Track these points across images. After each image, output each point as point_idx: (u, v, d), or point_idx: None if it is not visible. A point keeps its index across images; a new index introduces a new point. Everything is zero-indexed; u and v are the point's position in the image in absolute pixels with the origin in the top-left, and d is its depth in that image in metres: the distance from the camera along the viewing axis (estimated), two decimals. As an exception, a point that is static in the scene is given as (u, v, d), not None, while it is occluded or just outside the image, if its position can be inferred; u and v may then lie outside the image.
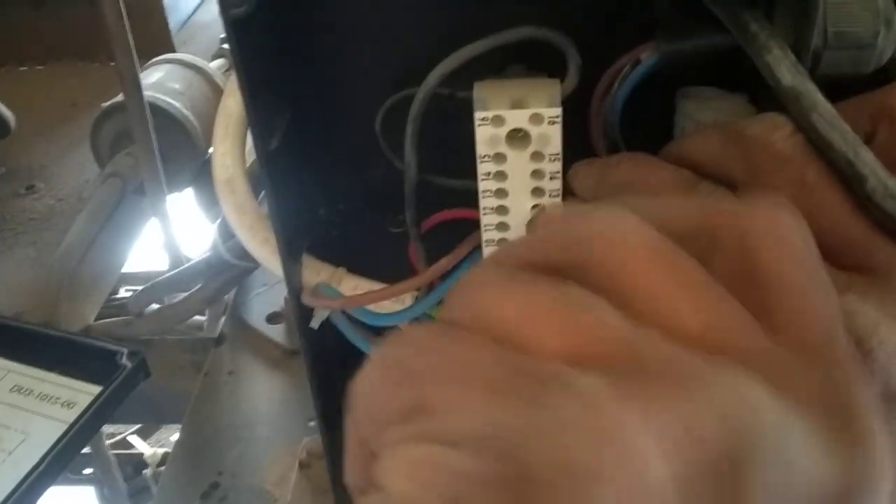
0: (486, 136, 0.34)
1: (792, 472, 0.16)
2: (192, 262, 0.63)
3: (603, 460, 0.15)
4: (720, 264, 0.20)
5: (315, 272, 0.41)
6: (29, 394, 0.57)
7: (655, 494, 0.15)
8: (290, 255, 0.39)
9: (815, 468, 0.17)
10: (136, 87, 0.61)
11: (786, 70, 0.30)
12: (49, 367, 0.59)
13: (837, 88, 0.33)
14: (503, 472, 0.15)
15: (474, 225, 0.39)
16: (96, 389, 0.57)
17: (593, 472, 0.15)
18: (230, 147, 0.43)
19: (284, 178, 0.37)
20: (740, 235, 0.20)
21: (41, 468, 0.51)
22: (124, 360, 0.57)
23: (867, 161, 0.29)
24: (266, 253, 0.41)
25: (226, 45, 1.00)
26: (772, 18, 0.32)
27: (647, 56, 0.35)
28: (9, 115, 0.79)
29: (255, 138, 0.35)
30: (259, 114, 0.34)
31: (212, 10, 1.15)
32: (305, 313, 0.40)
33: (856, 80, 0.34)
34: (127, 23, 0.59)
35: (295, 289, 0.39)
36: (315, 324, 0.40)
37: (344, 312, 0.40)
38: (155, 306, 0.68)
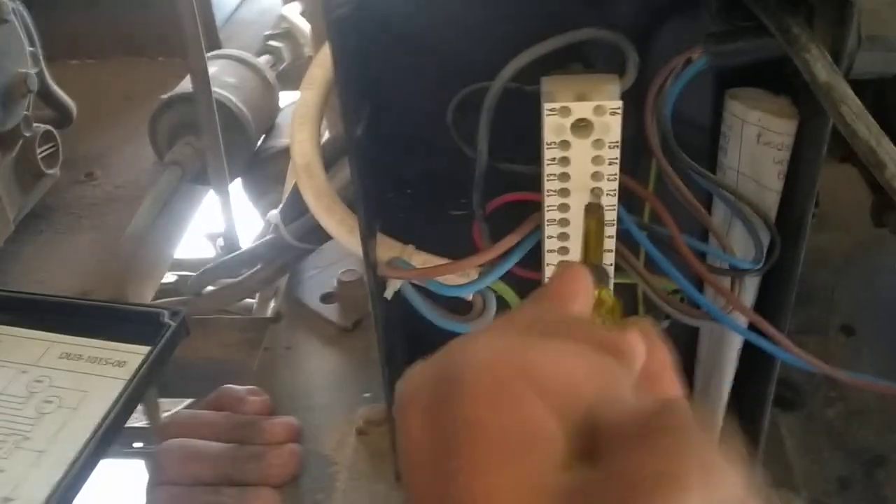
0: (553, 125, 0.38)
1: None
2: (252, 245, 0.67)
3: None
4: None
5: (387, 248, 0.45)
6: (78, 358, 0.61)
7: None
8: (369, 232, 0.43)
9: None
10: (206, 81, 0.66)
11: (821, 68, 0.34)
12: (91, 334, 0.62)
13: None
14: None
15: (532, 206, 0.43)
16: (143, 349, 0.60)
17: None
18: (308, 135, 0.47)
19: (366, 163, 0.41)
20: None
21: (110, 419, 0.55)
22: (167, 319, 0.61)
23: (888, 150, 0.33)
24: (343, 231, 0.45)
25: (271, 42, 1.04)
26: (812, 23, 0.36)
27: (698, 56, 0.38)
28: (71, 104, 0.83)
29: (346, 125, 0.39)
30: (350, 103, 0.38)
31: (252, 9, 1.20)
32: (379, 286, 0.44)
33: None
34: (199, 21, 0.63)
35: (372, 262, 0.43)
36: (388, 294, 0.44)
37: (414, 284, 0.44)
38: (211, 287, 0.72)
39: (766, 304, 0.45)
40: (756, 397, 0.47)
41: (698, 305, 0.43)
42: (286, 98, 0.96)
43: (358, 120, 0.40)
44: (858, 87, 0.35)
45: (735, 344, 0.47)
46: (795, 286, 0.41)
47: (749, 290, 0.44)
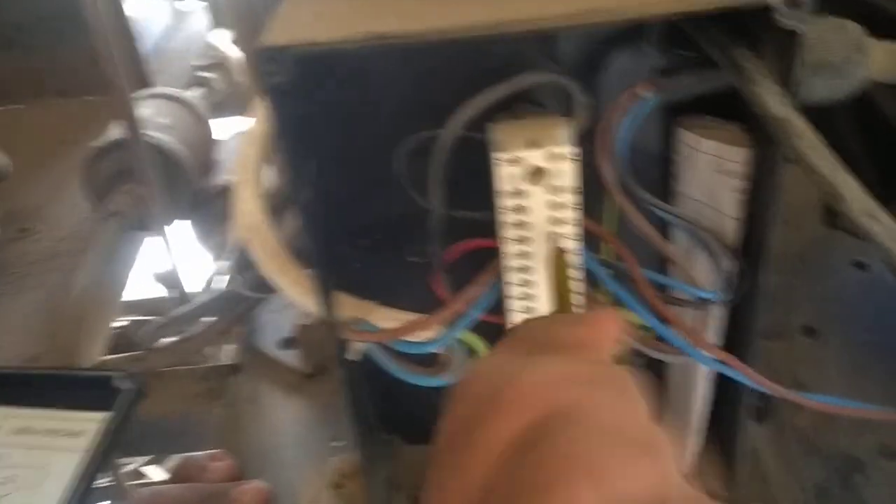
0: (505, 175, 0.37)
1: None
2: (207, 297, 0.65)
3: None
4: None
5: (347, 308, 0.43)
6: (33, 432, 0.59)
7: None
8: (326, 293, 0.41)
9: None
10: (136, 130, 0.64)
11: (772, 100, 0.34)
12: (45, 404, 0.60)
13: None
14: None
15: (491, 251, 0.42)
16: (98, 416, 0.58)
17: None
18: (251, 194, 0.46)
19: (318, 224, 0.40)
20: None
21: (72, 497, 0.53)
22: (122, 383, 0.59)
23: (847, 182, 0.33)
24: (298, 292, 0.44)
25: (202, 73, 1.02)
26: (758, 53, 0.35)
27: (646, 92, 0.38)
28: (4, 161, 0.79)
29: (293, 193, 0.37)
30: (296, 171, 0.37)
31: (177, 37, 1.16)
32: (342, 348, 0.43)
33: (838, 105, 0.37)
34: (124, 59, 0.61)
35: (332, 325, 0.42)
36: (353, 356, 0.42)
37: (379, 343, 0.43)
38: (166, 339, 0.70)
39: (733, 328, 0.44)
40: (730, 417, 0.47)
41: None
42: (223, 127, 0.93)
43: (304, 184, 0.39)
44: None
45: (705, 368, 0.46)
46: (762, 312, 0.41)
47: (716, 316, 0.44)
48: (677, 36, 0.38)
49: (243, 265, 0.59)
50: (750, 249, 0.41)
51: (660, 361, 0.50)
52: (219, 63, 1.03)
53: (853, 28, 0.36)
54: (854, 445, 0.53)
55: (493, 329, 0.44)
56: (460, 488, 0.22)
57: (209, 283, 0.75)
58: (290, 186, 0.38)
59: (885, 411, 0.42)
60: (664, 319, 0.40)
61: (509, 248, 0.39)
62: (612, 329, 0.28)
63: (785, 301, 0.63)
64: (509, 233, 0.39)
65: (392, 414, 0.53)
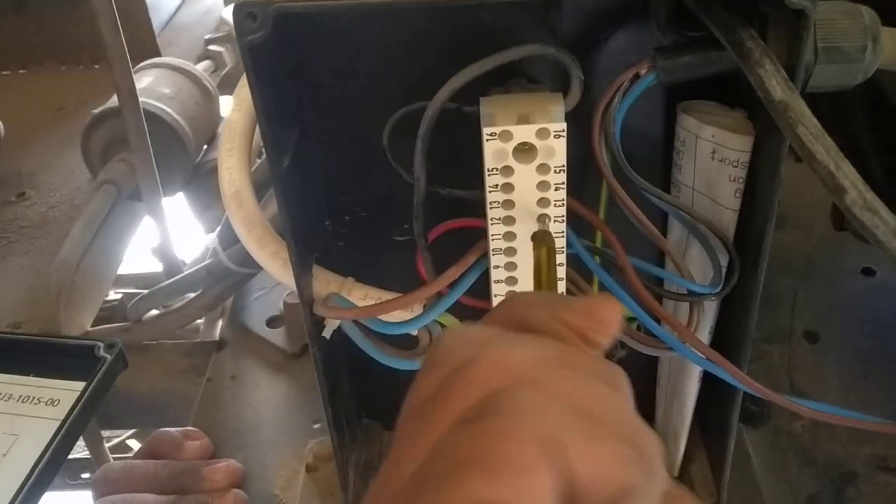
0: (493, 150, 0.35)
1: None
2: (191, 270, 0.63)
3: None
4: None
5: (325, 283, 0.42)
6: (8, 398, 0.58)
7: None
8: (302, 267, 0.40)
9: None
10: (133, 95, 0.62)
11: (776, 84, 0.32)
12: (23, 370, 0.59)
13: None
14: None
15: (477, 233, 0.40)
16: (77, 385, 0.56)
17: None
18: (236, 162, 0.44)
19: (295, 194, 0.38)
20: None
21: (42, 465, 0.52)
22: (103, 353, 0.57)
23: (847, 174, 0.31)
24: (276, 265, 0.42)
25: (211, 47, 1.00)
26: (765, 35, 0.33)
27: (646, 71, 0.36)
28: (-2, 124, 0.79)
29: (270, 158, 0.36)
30: (272, 134, 0.35)
31: (193, 11, 1.15)
32: (317, 322, 0.41)
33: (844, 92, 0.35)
34: (133, 27, 0.59)
35: (307, 300, 0.40)
36: (327, 333, 0.41)
37: (355, 322, 0.41)
38: (154, 312, 0.68)
39: (727, 327, 0.42)
40: (721, 420, 0.45)
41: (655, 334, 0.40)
42: (229, 104, 0.92)
43: (284, 150, 0.37)
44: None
45: (696, 368, 0.44)
46: (756, 311, 0.39)
47: (709, 312, 0.42)
48: (682, 15, 0.36)
49: (230, 239, 0.58)
50: (747, 244, 0.39)
51: (651, 358, 0.48)
52: (229, 37, 1.02)
53: (869, 14, 0.34)
54: (850, 457, 0.51)
55: (475, 312, 0.42)
56: (408, 459, 0.20)
57: (198, 257, 0.74)
58: (268, 154, 0.36)
59: (883, 423, 0.40)
60: (652, 312, 0.38)
61: (494, 229, 0.37)
62: (614, 324, 0.25)
63: (789, 304, 0.61)
64: (495, 212, 0.37)
65: (372, 399, 0.52)
